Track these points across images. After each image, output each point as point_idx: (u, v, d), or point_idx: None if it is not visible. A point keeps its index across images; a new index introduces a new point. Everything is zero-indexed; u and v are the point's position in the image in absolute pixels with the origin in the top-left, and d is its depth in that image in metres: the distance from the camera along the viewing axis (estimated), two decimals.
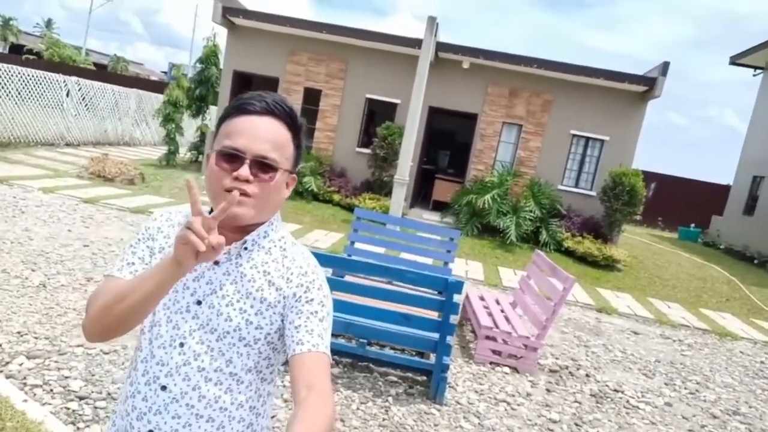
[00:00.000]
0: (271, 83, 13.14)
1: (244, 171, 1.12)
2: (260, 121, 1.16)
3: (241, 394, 1.20)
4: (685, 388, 5.27)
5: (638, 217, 11.73)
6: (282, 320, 1.19)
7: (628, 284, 9.78)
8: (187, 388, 1.16)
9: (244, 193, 1.13)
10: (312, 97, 13.10)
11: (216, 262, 1.19)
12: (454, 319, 3.96)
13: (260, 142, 1.14)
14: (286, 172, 1.20)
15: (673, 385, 5.30)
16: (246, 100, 1.18)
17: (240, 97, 1.20)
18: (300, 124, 1.23)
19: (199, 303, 1.18)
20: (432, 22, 10.23)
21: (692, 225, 17.84)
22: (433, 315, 4.25)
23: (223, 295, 1.18)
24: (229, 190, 1.13)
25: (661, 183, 20.05)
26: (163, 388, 1.17)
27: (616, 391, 4.90)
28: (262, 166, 1.15)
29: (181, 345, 1.17)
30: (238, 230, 1.20)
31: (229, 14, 12.65)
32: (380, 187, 12.08)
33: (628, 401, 4.71)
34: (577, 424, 4.11)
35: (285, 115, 1.19)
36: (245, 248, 1.21)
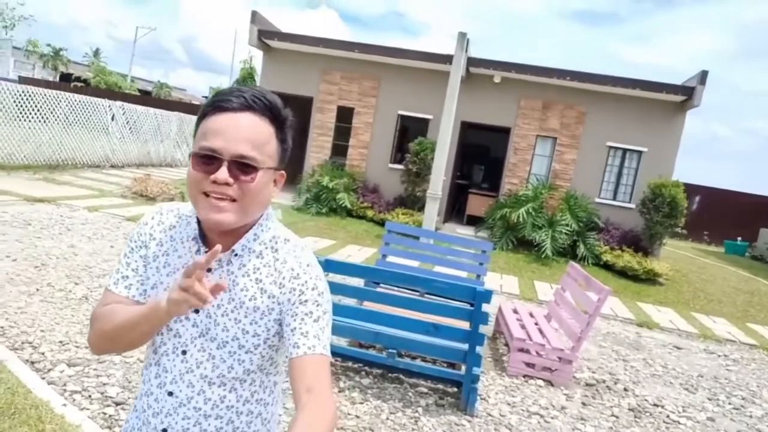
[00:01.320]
0: (306, 103, 13.42)
1: (222, 174, 1.06)
2: (238, 119, 1.08)
3: (245, 391, 1.20)
4: (730, 404, 5.06)
5: (682, 231, 11.40)
6: (280, 324, 1.17)
7: (670, 298, 9.48)
8: (193, 393, 1.17)
9: (223, 197, 1.08)
10: (345, 115, 13.30)
11: (208, 270, 1.14)
12: (483, 328, 3.92)
13: (238, 142, 1.07)
14: (270, 170, 1.13)
15: (717, 400, 5.09)
16: (223, 96, 1.11)
17: (218, 93, 1.13)
18: (284, 116, 1.15)
19: (197, 311, 1.15)
20: (462, 37, 10.29)
21: (739, 239, 17.21)
22: (464, 325, 4.21)
23: (218, 304, 1.15)
24: (207, 194, 1.08)
25: (706, 196, 19.46)
26: (170, 393, 1.18)
27: (655, 405, 4.74)
28: (242, 166, 1.07)
29: (184, 353, 1.17)
30: (225, 233, 1.14)
31: (264, 37, 13.02)
32: (413, 203, 12.10)
33: (668, 416, 4.55)
34: None
35: (265, 109, 1.11)
36: (235, 255, 1.16)
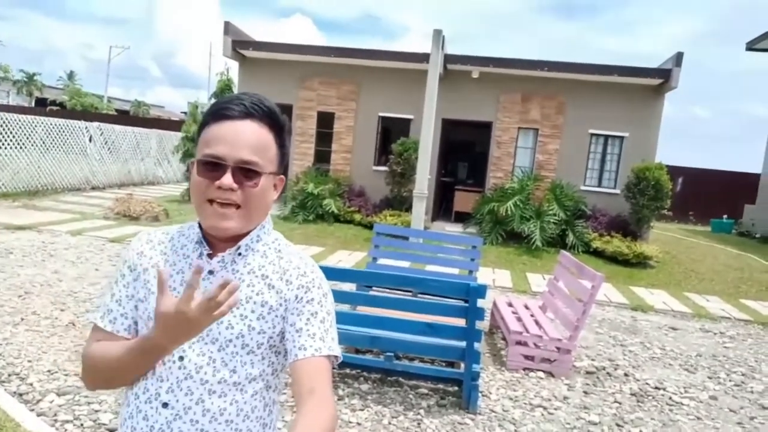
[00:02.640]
0: (285, 111, 13.27)
1: (227, 179, 1.09)
2: (240, 126, 1.12)
3: (246, 404, 1.16)
4: (730, 381, 5.06)
5: (668, 213, 11.46)
6: (283, 322, 1.17)
7: (662, 280, 9.51)
8: (190, 403, 1.12)
9: (228, 203, 1.10)
10: (326, 120, 13.24)
11: (211, 272, 1.16)
12: (480, 325, 3.87)
13: (241, 148, 1.10)
14: (271, 174, 1.16)
15: (718, 379, 5.09)
16: (223, 104, 1.14)
17: (217, 102, 1.17)
18: (282, 122, 1.18)
19: None
20: (438, 35, 10.28)
21: (725, 216, 17.35)
22: (460, 322, 4.16)
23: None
24: (212, 201, 1.11)
25: (689, 177, 19.63)
26: (165, 405, 1.12)
27: (657, 388, 4.72)
28: (246, 172, 1.11)
29: (181, 359, 1.13)
30: (228, 238, 1.17)
31: (239, 47, 12.93)
32: (400, 203, 12.05)
33: (670, 398, 4.53)
34: (618, 425, 3.96)
35: (265, 115, 1.15)
36: (239, 254, 1.18)
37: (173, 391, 1.12)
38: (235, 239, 1.17)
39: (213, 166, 1.10)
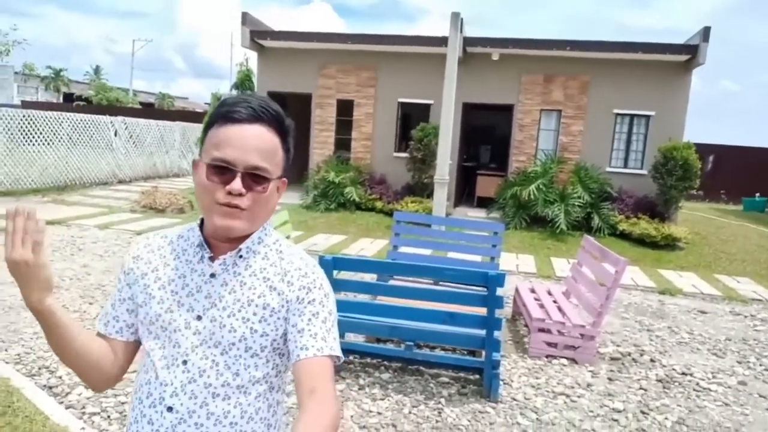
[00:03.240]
0: (304, 99, 13.34)
1: (237, 185, 1.09)
2: (249, 130, 1.12)
3: (250, 406, 1.16)
4: (761, 365, 4.94)
5: (698, 192, 11.21)
6: (286, 324, 1.17)
7: (691, 262, 9.30)
8: (195, 407, 1.13)
9: (236, 206, 1.11)
10: (345, 108, 13.21)
11: (212, 275, 1.17)
12: (499, 313, 3.84)
13: (251, 153, 1.11)
14: (277, 179, 1.17)
15: (747, 363, 4.97)
16: (232, 107, 1.13)
17: (225, 103, 1.16)
18: (288, 126, 1.19)
19: (199, 318, 1.15)
20: (456, 17, 10.13)
21: (757, 195, 16.88)
22: (481, 311, 4.14)
23: (223, 306, 1.15)
24: (222, 204, 1.11)
25: (720, 154, 19.10)
26: (170, 409, 1.13)
27: (684, 374, 4.63)
28: (255, 177, 1.12)
29: (185, 363, 1.14)
30: (230, 239, 1.18)
31: (257, 37, 12.94)
32: (422, 190, 12.00)
33: (698, 384, 4.44)
34: (643, 412, 3.90)
35: (273, 119, 1.15)
36: (240, 256, 1.18)
37: (177, 395, 1.13)
38: (236, 241, 1.17)
39: (222, 171, 1.11)
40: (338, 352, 1.14)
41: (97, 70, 53.08)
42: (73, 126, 13.13)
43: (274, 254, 1.21)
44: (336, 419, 1.04)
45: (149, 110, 33.38)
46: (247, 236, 1.18)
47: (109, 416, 3.34)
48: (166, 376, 1.14)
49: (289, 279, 1.18)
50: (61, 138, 12.79)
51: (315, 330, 1.13)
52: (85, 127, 13.51)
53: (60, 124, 12.75)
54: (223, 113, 1.14)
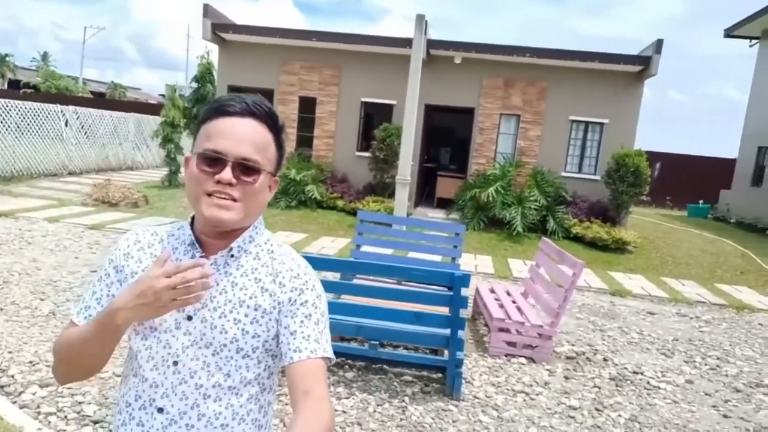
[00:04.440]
0: (266, 95, 13.13)
1: (227, 174, 1.08)
2: (241, 123, 1.12)
3: (242, 408, 1.16)
4: (706, 365, 5.20)
5: (646, 198, 11.64)
6: (278, 325, 1.16)
7: (640, 265, 9.69)
8: (186, 408, 1.12)
9: (226, 197, 1.10)
10: (307, 105, 13.12)
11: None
12: (463, 313, 3.91)
13: (242, 144, 1.11)
14: (268, 174, 1.16)
15: (694, 363, 5.23)
16: (225, 101, 1.14)
17: (219, 99, 1.17)
18: (281, 125, 1.19)
19: (189, 318, 1.13)
20: (421, 20, 10.22)
21: (701, 201, 17.69)
22: (444, 311, 4.21)
23: (214, 307, 1.13)
24: (210, 194, 1.10)
25: (667, 162, 19.90)
26: (160, 410, 1.13)
27: (635, 373, 4.84)
28: (245, 168, 1.11)
29: (175, 363, 1.13)
30: (221, 237, 1.16)
31: (218, 30, 12.70)
32: (383, 189, 12.05)
33: (648, 382, 4.65)
34: (597, 409, 4.05)
35: (266, 116, 1.15)
36: (231, 256, 1.17)
37: (168, 396, 1.12)
38: (227, 238, 1.16)
39: (213, 161, 1.10)
40: (330, 354, 1.14)
41: (45, 57, 50.88)
42: (21, 114, 12.57)
43: (266, 254, 1.20)
44: (331, 421, 1.05)
45: (101, 100, 32.23)
46: (237, 233, 1.17)
47: (66, 416, 3.24)
48: (156, 377, 1.13)
49: (280, 280, 1.17)
50: (8, 126, 12.21)
51: (308, 332, 1.13)
52: (34, 115, 12.96)
53: (7, 112, 12.17)
54: (216, 108, 1.14)
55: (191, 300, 1.00)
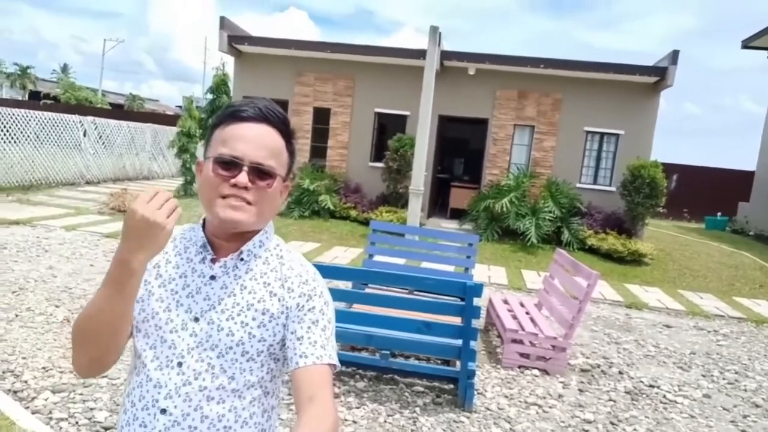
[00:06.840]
0: (281, 106, 13.15)
1: (243, 178, 1.10)
2: (256, 128, 1.14)
3: (245, 411, 1.16)
4: (724, 379, 5.09)
5: (663, 210, 11.50)
6: (284, 330, 1.16)
7: (656, 278, 9.55)
8: (189, 409, 1.12)
9: (242, 200, 1.11)
10: (321, 116, 13.20)
11: (213, 277, 1.16)
12: (476, 323, 3.88)
13: (257, 149, 1.12)
14: (282, 179, 1.18)
15: (711, 377, 5.12)
16: (239, 107, 1.16)
17: (232, 104, 1.18)
18: (293, 131, 1.21)
19: (196, 320, 1.14)
20: (434, 31, 10.26)
21: (719, 214, 17.43)
22: (456, 321, 4.17)
23: (222, 309, 1.14)
24: (225, 197, 1.11)
25: (684, 174, 19.68)
26: (163, 411, 1.12)
27: (651, 386, 4.75)
28: (260, 172, 1.13)
29: (180, 365, 1.12)
30: (232, 240, 1.17)
31: (234, 42, 12.86)
32: (396, 200, 12.05)
33: (664, 396, 4.56)
34: (612, 423, 3.98)
35: (279, 122, 1.17)
36: (241, 259, 1.18)
37: (171, 397, 1.12)
38: (239, 241, 1.17)
39: (229, 165, 1.12)
40: (336, 361, 1.15)
41: (65, 69, 51.87)
42: (40, 124, 12.80)
43: (275, 259, 1.21)
44: (336, 427, 1.05)
45: (120, 111, 32.74)
46: (248, 237, 1.18)
47: (77, 422, 3.25)
48: (160, 377, 1.13)
49: (289, 285, 1.18)
50: (28, 136, 12.44)
51: (314, 338, 1.13)
52: (53, 126, 13.18)
53: (27, 122, 12.41)
54: (230, 113, 1.16)
55: (168, 206, 1.00)
